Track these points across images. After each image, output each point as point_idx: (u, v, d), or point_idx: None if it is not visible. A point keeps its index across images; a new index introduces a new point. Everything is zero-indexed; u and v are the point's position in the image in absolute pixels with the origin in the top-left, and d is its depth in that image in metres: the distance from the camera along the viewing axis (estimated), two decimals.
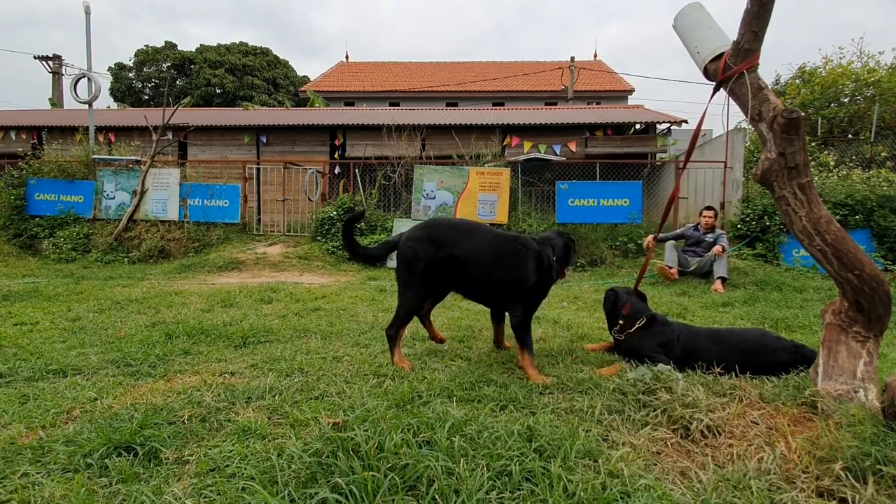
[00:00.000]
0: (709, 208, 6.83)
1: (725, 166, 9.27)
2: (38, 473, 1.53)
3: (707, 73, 2.29)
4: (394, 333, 2.71)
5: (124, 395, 2.23)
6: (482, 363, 2.75)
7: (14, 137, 13.51)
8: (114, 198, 9.54)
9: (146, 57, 34.12)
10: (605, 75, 23.62)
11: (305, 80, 33.67)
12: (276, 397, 2.16)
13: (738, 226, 8.36)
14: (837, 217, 7.22)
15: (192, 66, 33.09)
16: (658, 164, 12.07)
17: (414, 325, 3.76)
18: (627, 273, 7.33)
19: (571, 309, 4.75)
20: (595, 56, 27.52)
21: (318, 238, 8.91)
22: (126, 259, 8.52)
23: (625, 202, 8.87)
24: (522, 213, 9.03)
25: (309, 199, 9.98)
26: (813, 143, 11.57)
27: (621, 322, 2.89)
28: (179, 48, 34.61)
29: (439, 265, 2.65)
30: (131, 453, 1.66)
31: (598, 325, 3.90)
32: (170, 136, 11.51)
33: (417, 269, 2.65)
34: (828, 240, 1.98)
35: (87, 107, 11.33)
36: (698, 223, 6.84)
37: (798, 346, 2.60)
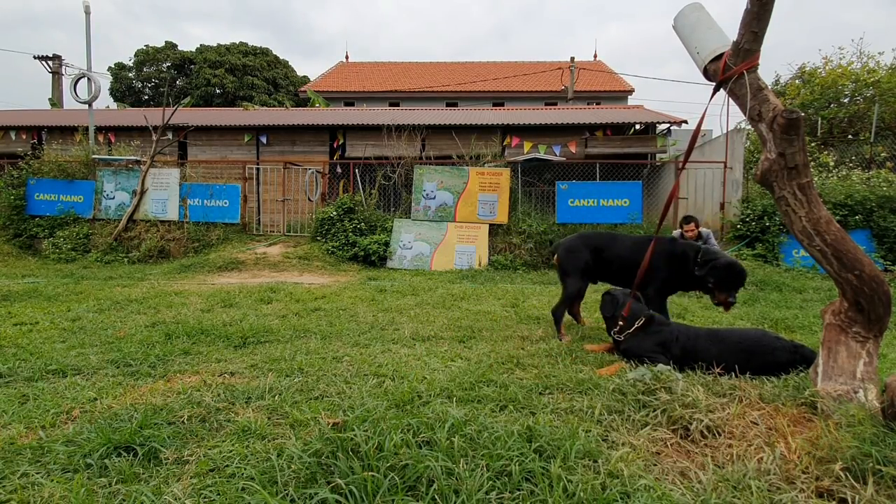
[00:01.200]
0: (687, 221, 6.40)
1: (725, 166, 9.27)
2: (37, 473, 1.53)
3: (707, 73, 2.29)
4: (560, 315, 3.61)
5: (124, 396, 2.23)
6: (482, 363, 2.74)
7: (14, 137, 13.50)
8: (113, 198, 9.54)
9: (146, 57, 34.11)
10: (604, 76, 23.62)
11: (305, 80, 33.68)
12: (276, 397, 2.16)
13: (738, 226, 8.36)
14: (837, 217, 7.23)
15: (192, 66, 33.07)
16: (658, 164, 12.07)
17: (414, 325, 3.76)
18: None
19: None
20: (595, 56, 27.53)
21: (318, 238, 8.91)
22: (126, 259, 8.52)
23: (625, 202, 8.88)
24: (522, 213, 9.03)
25: (309, 199, 9.98)
26: (813, 144, 11.57)
27: (621, 323, 2.89)
28: (179, 48, 34.61)
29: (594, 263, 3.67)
30: (131, 453, 1.65)
31: (598, 326, 3.90)
32: (170, 136, 11.51)
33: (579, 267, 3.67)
34: (827, 240, 1.98)
35: (86, 107, 11.33)
36: (682, 232, 6.44)
37: (797, 346, 2.60)
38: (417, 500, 1.34)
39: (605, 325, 3.20)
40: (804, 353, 2.54)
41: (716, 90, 2.29)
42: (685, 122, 12.70)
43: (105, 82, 30.16)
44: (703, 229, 6.49)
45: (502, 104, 22.25)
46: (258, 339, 3.28)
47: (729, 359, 2.51)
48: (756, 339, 2.65)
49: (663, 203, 10.82)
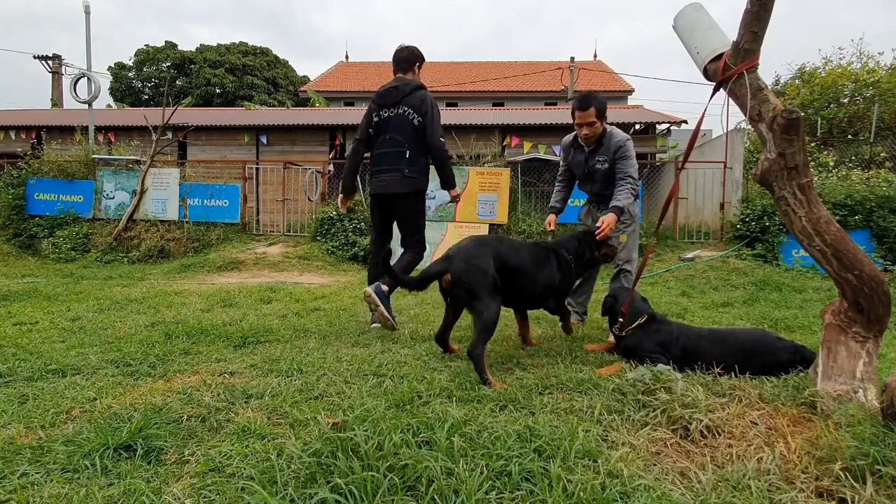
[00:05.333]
0: (584, 107, 3.40)
1: (725, 166, 9.26)
2: (37, 473, 1.53)
3: (707, 73, 2.29)
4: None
5: (124, 395, 2.22)
6: None
7: (14, 137, 13.51)
8: (113, 197, 9.53)
9: (146, 56, 34.11)
10: (604, 75, 23.62)
11: (305, 79, 33.67)
12: (276, 397, 2.16)
13: (738, 226, 8.36)
14: (837, 217, 7.20)
15: (192, 65, 33.07)
16: (658, 164, 12.07)
17: (414, 325, 3.75)
18: None
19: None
20: (595, 56, 27.55)
21: (318, 238, 8.91)
22: (126, 259, 8.51)
23: None
24: (522, 213, 9.03)
25: (309, 199, 9.97)
26: (812, 144, 11.57)
27: (621, 320, 2.89)
28: (180, 48, 34.61)
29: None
30: (131, 453, 1.65)
31: (598, 325, 3.90)
32: (169, 135, 11.51)
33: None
34: (827, 240, 1.98)
35: (86, 106, 11.33)
36: (575, 135, 3.69)
37: (798, 346, 2.60)
38: (417, 500, 1.34)
39: (606, 324, 3.20)
40: (804, 353, 2.54)
41: (716, 90, 2.29)
42: (685, 122, 12.72)
43: (105, 82, 30.14)
44: (613, 135, 3.56)
45: (502, 104, 22.25)
46: (258, 339, 3.27)
47: (730, 359, 2.50)
48: (757, 339, 2.65)
49: (663, 203, 10.82)
